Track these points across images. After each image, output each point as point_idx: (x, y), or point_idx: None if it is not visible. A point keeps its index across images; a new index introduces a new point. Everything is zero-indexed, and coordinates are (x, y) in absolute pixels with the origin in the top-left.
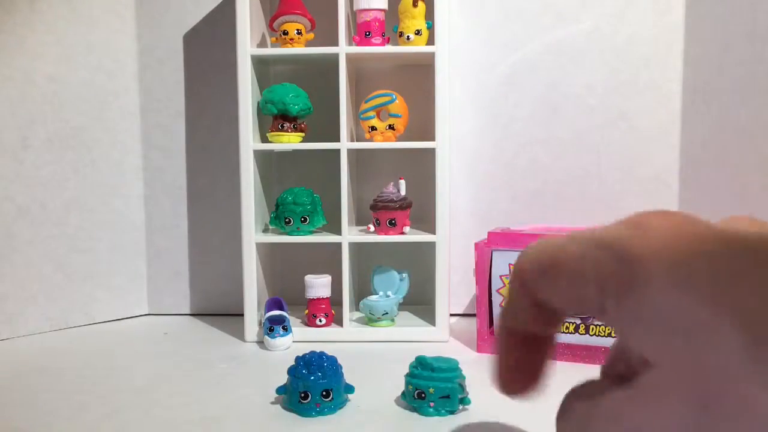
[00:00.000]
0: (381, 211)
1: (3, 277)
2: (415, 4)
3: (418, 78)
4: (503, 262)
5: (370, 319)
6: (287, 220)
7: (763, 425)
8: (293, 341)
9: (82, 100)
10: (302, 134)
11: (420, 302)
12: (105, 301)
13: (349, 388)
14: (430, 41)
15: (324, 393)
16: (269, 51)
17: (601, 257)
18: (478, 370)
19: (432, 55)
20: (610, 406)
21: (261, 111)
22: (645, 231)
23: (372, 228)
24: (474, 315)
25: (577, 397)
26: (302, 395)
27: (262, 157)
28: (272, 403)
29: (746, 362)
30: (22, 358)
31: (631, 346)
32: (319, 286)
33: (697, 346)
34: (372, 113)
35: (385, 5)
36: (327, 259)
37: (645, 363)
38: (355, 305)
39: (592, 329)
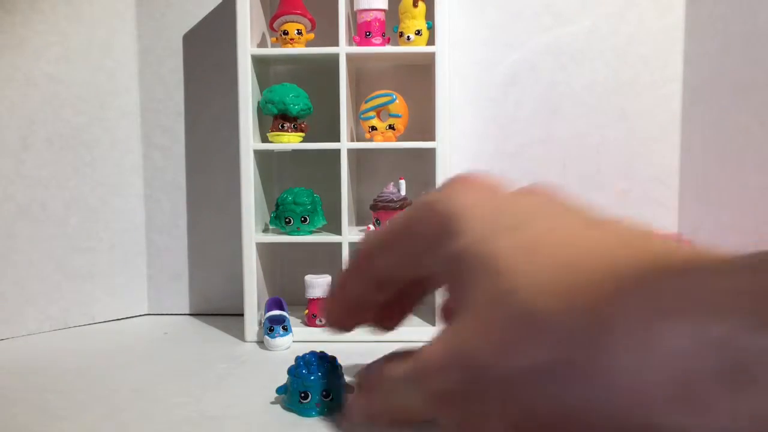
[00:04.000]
0: (381, 211)
1: (3, 277)
2: (415, 4)
3: (418, 78)
4: None
5: None
6: (287, 220)
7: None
8: (293, 341)
9: (82, 100)
10: (302, 134)
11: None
12: (105, 301)
13: (349, 388)
14: (431, 41)
15: (324, 393)
16: (269, 51)
17: (423, 215)
18: None
19: (432, 55)
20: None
21: (261, 111)
22: (455, 192)
23: (372, 228)
24: None
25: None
26: (302, 395)
27: (262, 157)
28: (272, 403)
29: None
30: (22, 358)
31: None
32: (319, 286)
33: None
34: (372, 113)
35: (385, 5)
36: (327, 259)
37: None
38: None
39: None
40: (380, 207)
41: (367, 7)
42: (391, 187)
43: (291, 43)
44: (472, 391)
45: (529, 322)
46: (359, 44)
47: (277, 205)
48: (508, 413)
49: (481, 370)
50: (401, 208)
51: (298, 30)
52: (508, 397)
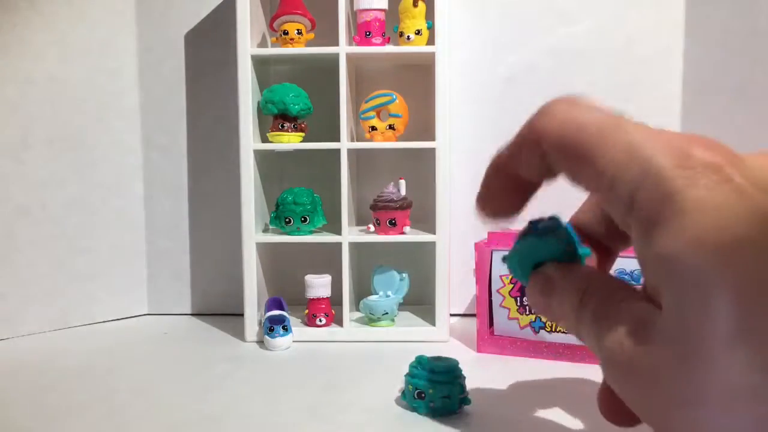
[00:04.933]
0: (381, 211)
1: (3, 277)
2: (415, 4)
3: (418, 78)
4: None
5: (370, 319)
6: (287, 219)
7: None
8: (293, 341)
9: (82, 100)
10: (302, 134)
11: (420, 302)
12: (105, 301)
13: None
14: (430, 41)
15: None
16: (269, 51)
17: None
18: (478, 370)
19: (432, 55)
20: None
21: (261, 111)
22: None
23: (372, 228)
24: (474, 315)
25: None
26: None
27: (262, 157)
28: (272, 403)
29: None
30: (22, 358)
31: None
32: (319, 286)
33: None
34: (372, 113)
35: (385, 5)
36: (327, 259)
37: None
38: (355, 305)
39: None
40: (380, 207)
41: (367, 6)
42: (391, 187)
43: (291, 43)
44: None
45: None
46: (359, 44)
47: (277, 205)
48: None
49: None
50: (401, 208)
51: (298, 30)
52: None
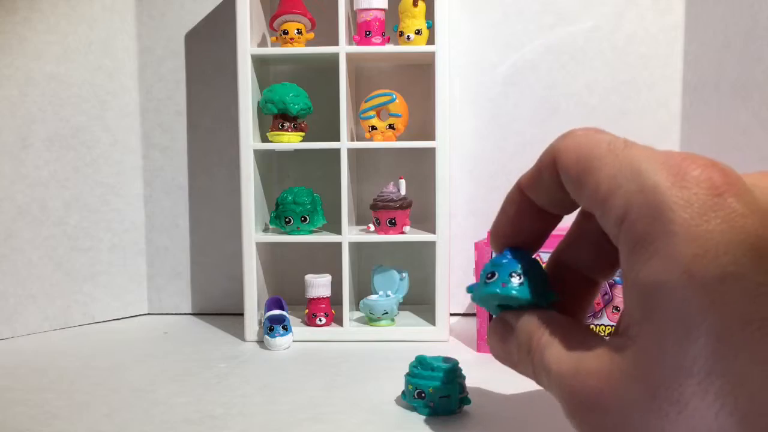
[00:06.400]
0: (381, 211)
1: (3, 277)
2: (415, 4)
3: (418, 78)
4: None
5: (370, 319)
6: (287, 219)
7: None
8: (293, 341)
9: (82, 100)
10: (302, 134)
11: (420, 302)
12: (105, 300)
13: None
14: (431, 41)
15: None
16: (269, 51)
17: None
18: (478, 370)
19: (432, 55)
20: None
21: (261, 111)
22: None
23: (372, 228)
24: (474, 315)
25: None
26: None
27: (262, 157)
28: (272, 403)
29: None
30: (22, 357)
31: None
32: (319, 285)
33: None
34: (372, 113)
35: (385, 5)
36: (327, 259)
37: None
38: (355, 305)
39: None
40: (380, 206)
41: (366, 6)
42: (391, 187)
43: (291, 43)
44: None
45: None
46: (359, 44)
47: (277, 205)
48: None
49: None
50: (401, 207)
51: (298, 29)
52: None
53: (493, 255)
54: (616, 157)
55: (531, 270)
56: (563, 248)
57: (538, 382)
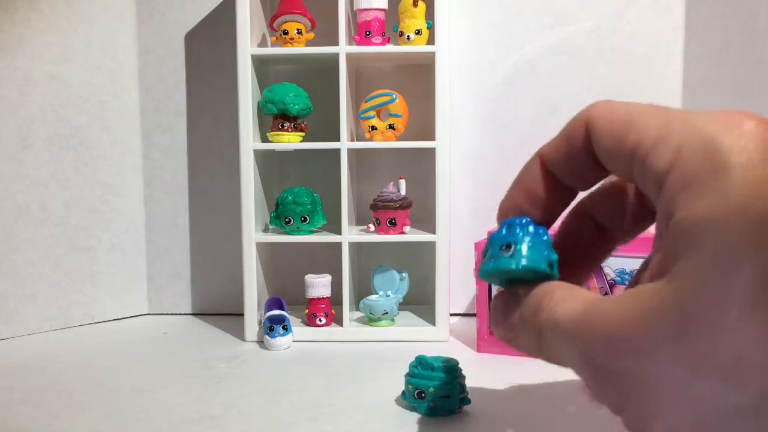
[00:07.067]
0: (381, 211)
1: (3, 277)
2: (415, 4)
3: (418, 78)
4: None
5: (370, 319)
6: (287, 219)
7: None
8: (293, 341)
9: (82, 100)
10: (302, 134)
11: (420, 302)
12: (105, 301)
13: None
14: (431, 41)
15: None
16: (269, 51)
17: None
18: (478, 370)
19: (432, 55)
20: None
21: (261, 111)
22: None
23: (372, 228)
24: (474, 315)
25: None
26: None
27: (262, 157)
28: (272, 403)
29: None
30: (22, 358)
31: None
32: (319, 285)
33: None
34: (372, 113)
35: (385, 5)
36: (327, 259)
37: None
38: (355, 305)
39: None
40: (380, 206)
41: (366, 6)
42: (391, 187)
43: (291, 43)
44: None
45: None
46: (359, 44)
47: (277, 205)
48: None
49: None
50: (401, 207)
51: (298, 30)
52: None
53: (504, 224)
54: (665, 110)
55: (545, 241)
56: (586, 202)
57: (540, 351)
